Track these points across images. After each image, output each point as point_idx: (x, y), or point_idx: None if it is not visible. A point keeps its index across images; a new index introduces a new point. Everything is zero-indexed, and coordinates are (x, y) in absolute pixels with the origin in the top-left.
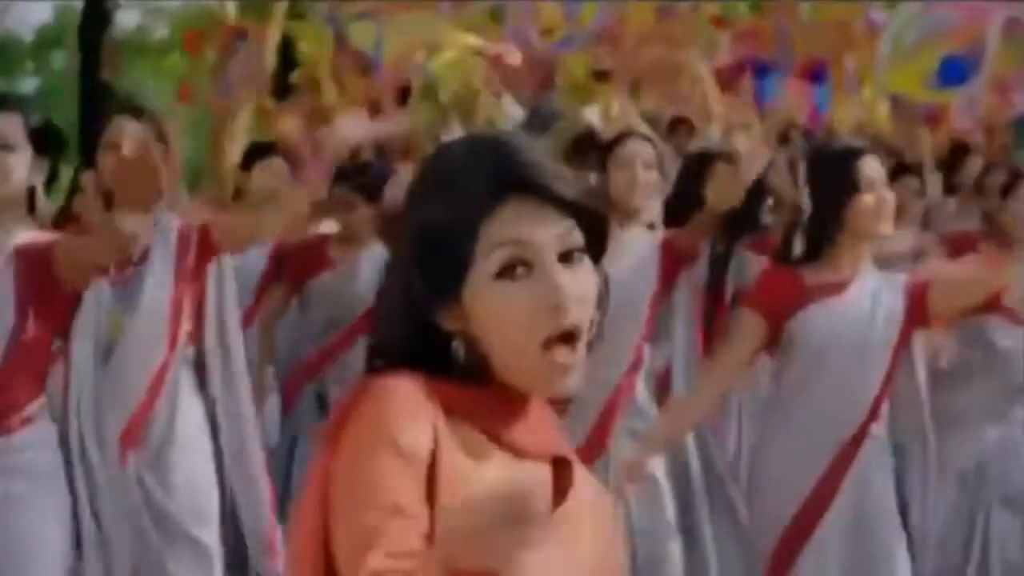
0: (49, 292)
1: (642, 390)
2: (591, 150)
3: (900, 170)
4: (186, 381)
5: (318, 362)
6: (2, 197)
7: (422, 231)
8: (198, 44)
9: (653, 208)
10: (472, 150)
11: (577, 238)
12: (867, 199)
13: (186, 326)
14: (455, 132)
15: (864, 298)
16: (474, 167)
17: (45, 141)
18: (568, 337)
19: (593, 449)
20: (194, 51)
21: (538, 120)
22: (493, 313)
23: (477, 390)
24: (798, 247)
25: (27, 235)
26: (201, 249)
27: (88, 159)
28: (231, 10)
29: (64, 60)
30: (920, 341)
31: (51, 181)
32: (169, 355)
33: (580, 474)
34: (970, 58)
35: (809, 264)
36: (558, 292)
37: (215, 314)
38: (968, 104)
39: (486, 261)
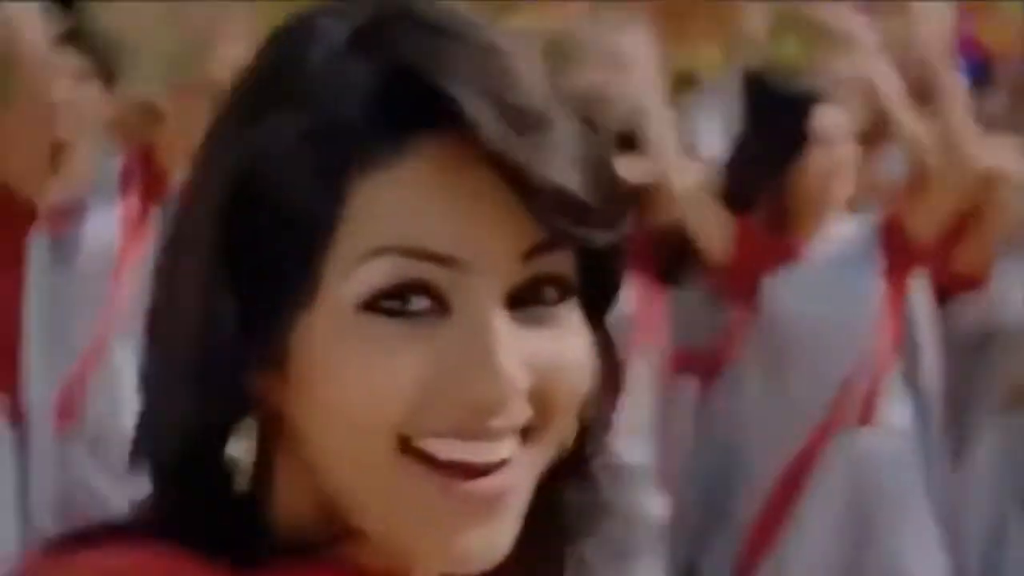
0: None
1: None
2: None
3: None
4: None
5: None
6: None
7: (243, 168)
8: None
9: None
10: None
11: (558, 261)
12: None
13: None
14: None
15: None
16: (360, 60)
17: None
18: (484, 456)
19: None
20: None
21: None
22: (341, 375)
23: None
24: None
25: None
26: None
27: None
28: None
29: None
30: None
31: None
32: (108, 324)
33: None
34: None
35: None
36: (489, 354)
37: None
38: None
39: (349, 275)
